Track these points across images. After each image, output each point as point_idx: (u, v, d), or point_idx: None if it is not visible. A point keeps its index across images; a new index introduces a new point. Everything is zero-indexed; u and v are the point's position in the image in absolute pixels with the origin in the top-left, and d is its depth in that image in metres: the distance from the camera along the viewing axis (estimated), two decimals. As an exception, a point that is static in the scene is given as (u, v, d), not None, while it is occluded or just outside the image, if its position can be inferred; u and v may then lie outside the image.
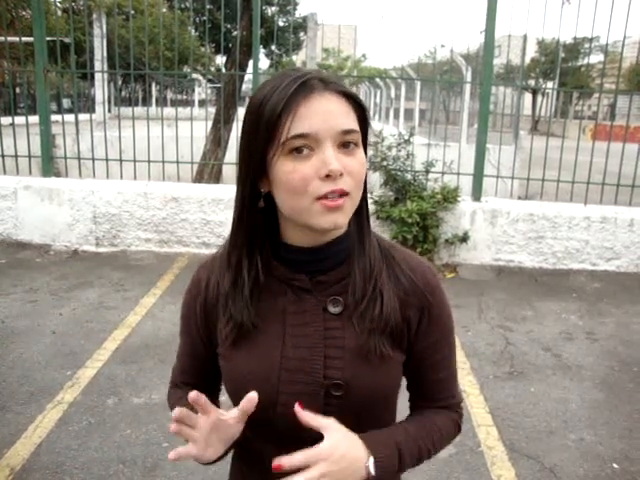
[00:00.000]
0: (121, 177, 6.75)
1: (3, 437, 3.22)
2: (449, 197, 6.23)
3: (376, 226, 6.22)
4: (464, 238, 6.27)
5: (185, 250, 6.51)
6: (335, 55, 40.16)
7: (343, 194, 0.97)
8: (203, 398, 0.98)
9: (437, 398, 1.18)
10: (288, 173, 0.96)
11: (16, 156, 6.83)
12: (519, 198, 8.50)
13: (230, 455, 1.14)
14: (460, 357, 4.33)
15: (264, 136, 0.97)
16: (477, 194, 6.55)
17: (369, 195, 6.15)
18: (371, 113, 25.05)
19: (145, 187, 6.48)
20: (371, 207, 6.17)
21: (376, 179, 6.49)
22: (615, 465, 3.18)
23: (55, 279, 5.65)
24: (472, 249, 6.41)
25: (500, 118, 10.52)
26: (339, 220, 0.99)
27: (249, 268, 1.08)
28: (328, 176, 0.95)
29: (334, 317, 1.07)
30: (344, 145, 0.98)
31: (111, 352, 4.19)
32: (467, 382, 3.97)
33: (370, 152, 6.41)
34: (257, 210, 1.05)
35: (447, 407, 1.19)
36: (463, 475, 3.05)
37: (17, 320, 4.70)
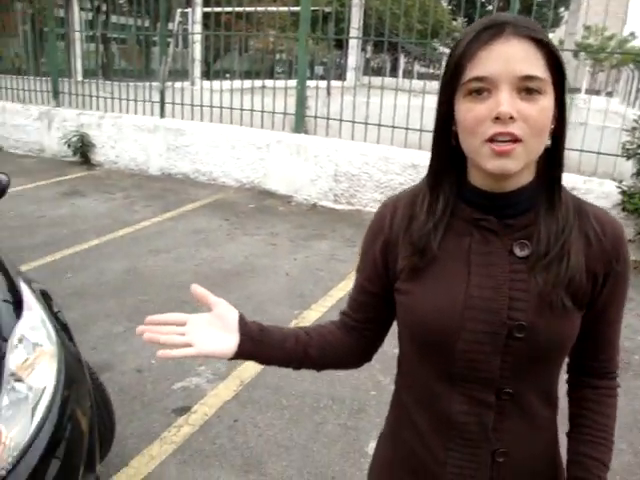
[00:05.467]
0: (365, 140, 7.03)
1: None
2: None
3: (620, 218, 5.79)
4: None
5: (416, 216, 6.62)
6: (598, 33, 37.21)
7: (516, 140, 0.97)
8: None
9: (600, 359, 1.17)
10: (465, 112, 1.01)
11: (273, 112, 7.44)
12: None
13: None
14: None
15: (450, 78, 1.03)
16: None
17: (616, 183, 5.74)
18: (631, 98, 22.85)
19: (387, 151, 6.70)
20: (618, 197, 5.75)
21: (629, 167, 6.02)
22: None
23: (294, 227, 6.14)
24: None
25: None
26: (507, 166, 0.99)
27: (436, 203, 1.11)
28: (498, 118, 0.96)
29: (519, 261, 1.07)
30: (527, 91, 0.98)
31: (336, 300, 4.47)
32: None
33: (626, 137, 5.95)
34: (449, 149, 1.09)
35: (607, 374, 1.18)
36: None
37: (258, 259, 5.23)
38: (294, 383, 3.41)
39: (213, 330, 1.14)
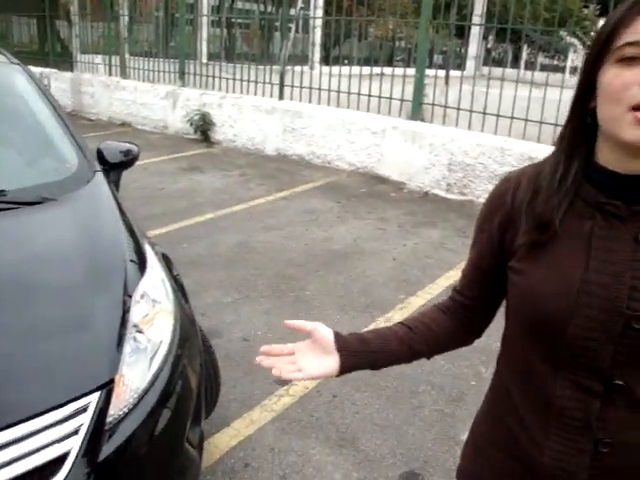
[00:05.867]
0: (482, 130, 6.88)
1: (341, 332, 3.73)
2: None
3: None
4: None
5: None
6: None
7: None
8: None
9: None
10: (611, 78, 0.97)
11: (390, 98, 7.43)
12: None
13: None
14: None
15: (601, 45, 0.99)
16: None
17: None
18: None
19: (504, 142, 6.53)
20: None
21: None
22: None
23: (404, 214, 6.13)
24: None
25: None
26: None
27: (563, 179, 1.07)
28: None
29: None
30: None
31: (443, 288, 4.44)
32: None
33: None
34: (584, 125, 1.06)
35: None
36: None
37: (366, 242, 5.28)
38: (394, 366, 3.42)
39: (316, 354, 1.22)
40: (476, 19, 10.81)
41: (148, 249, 2.32)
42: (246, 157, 8.50)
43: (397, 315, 4.00)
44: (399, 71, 7.55)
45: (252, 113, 8.77)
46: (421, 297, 4.28)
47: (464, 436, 2.81)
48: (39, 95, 3.03)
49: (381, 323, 3.88)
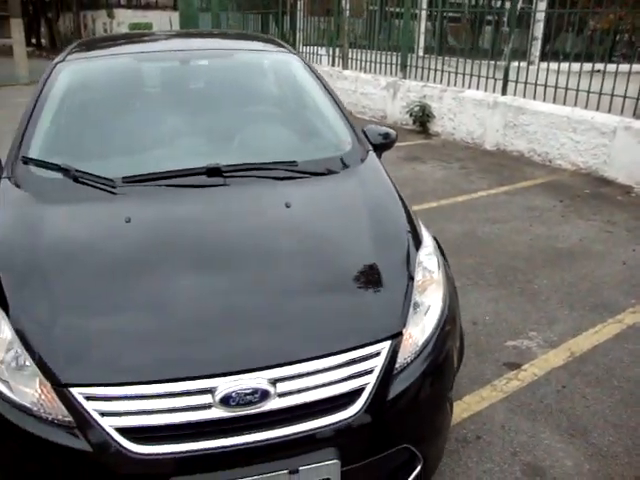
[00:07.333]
0: None
1: (570, 327, 3.81)
2: None
3: None
4: None
5: None
6: None
7: None
8: None
9: None
10: None
11: (624, 97, 7.07)
12: None
13: None
14: None
15: None
16: None
17: None
18: None
19: None
20: None
21: None
22: None
23: (633, 218, 5.86)
24: None
25: None
26: None
27: None
28: None
29: None
30: None
31: (677, 298, 4.26)
32: None
33: None
34: None
35: None
36: None
37: (592, 243, 5.17)
38: (627, 368, 3.40)
39: None
40: None
41: (420, 223, 2.57)
42: (464, 150, 8.58)
43: (628, 318, 3.92)
44: (625, 67, 7.14)
45: (473, 107, 8.81)
46: (654, 304, 4.15)
47: None
48: (315, 81, 3.41)
49: (611, 324, 3.83)
